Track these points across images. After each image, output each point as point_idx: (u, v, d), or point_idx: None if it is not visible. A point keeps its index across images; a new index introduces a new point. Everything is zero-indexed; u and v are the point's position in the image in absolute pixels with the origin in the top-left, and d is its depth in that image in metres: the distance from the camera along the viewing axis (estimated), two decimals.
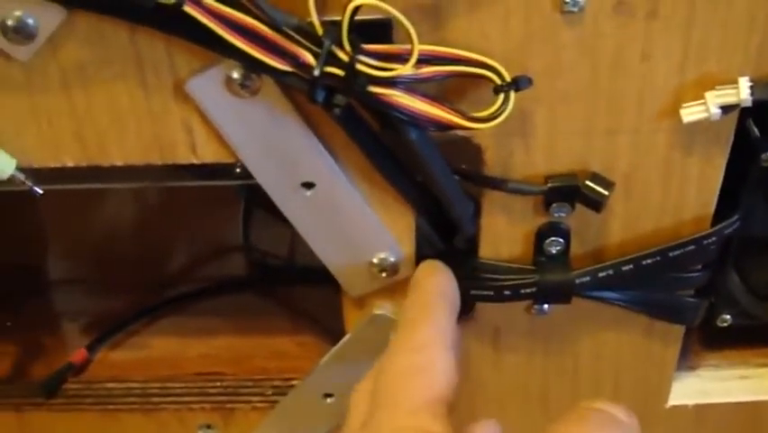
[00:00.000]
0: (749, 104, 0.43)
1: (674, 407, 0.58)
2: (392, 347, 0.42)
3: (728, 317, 0.56)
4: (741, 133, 0.49)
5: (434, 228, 0.49)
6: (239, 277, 0.67)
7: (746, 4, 0.42)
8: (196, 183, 0.53)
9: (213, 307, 0.65)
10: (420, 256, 0.50)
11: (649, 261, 0.48)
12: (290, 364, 0.59)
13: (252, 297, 0.66)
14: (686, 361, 0.59)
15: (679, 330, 0.54)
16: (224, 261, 0.68)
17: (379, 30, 0.41)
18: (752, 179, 0.50)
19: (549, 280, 0.49)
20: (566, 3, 0.41)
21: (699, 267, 0.50)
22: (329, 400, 0.55)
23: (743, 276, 0.55)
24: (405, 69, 0.40)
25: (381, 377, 0.40)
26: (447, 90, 0.43)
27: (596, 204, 0.46)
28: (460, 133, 0.44)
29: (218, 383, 0.59)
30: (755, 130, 0.49)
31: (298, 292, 0.65)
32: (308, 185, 0.46)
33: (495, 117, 0.41)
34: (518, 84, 0.41)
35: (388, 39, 0.41)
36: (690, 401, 0.58)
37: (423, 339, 0.42)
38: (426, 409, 0.38)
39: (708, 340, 0.61)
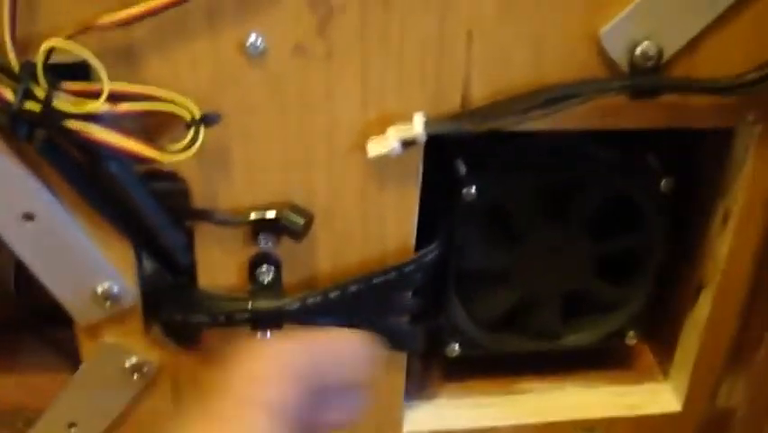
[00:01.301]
0: (424, 138, 0.47)
1: None
2: None
3: (456, 346, 0.59)
4: (449, 168, 0.53)
5: (158, 259, 0.52)
6: (8, 317, 0.68)
7: (417, 48, 0.46)
8: None
9: None
10: (148, 286, 0.52)
11: (354, 288, 0.51)
12: (48, 401, 0.61)
13: (21, 336, 0.67)
14: (424, 390, 0.62)
15: (401, 357, 0.57)
16: None
17: (80, 69, 0.44)
18: (458, 213, 0.54)
19: (261, 307, 0.51)
20: (247, 47, 0.45)
21: (410, 294, 0.54)
22: (73, 429, 0.57)
23: (466, 307, 0.58)
24: (96, 106, 0.43)
25: None
26: (152, 126, 0.46)
27: (295, 233, 0.49)
28: (164, 166, 0.47)
29: None
30: (461, 167, 0.54)
31: (67, 333, 0.67)
32: (29, 216, 0.48)
33: (186, 150, 0.45)
34: (206, 120, 0.45)
35: (87, 77, 0.44)
36: (426, 428, 0.61)
37: None
38: None
39: (446, 370, 0.64)
